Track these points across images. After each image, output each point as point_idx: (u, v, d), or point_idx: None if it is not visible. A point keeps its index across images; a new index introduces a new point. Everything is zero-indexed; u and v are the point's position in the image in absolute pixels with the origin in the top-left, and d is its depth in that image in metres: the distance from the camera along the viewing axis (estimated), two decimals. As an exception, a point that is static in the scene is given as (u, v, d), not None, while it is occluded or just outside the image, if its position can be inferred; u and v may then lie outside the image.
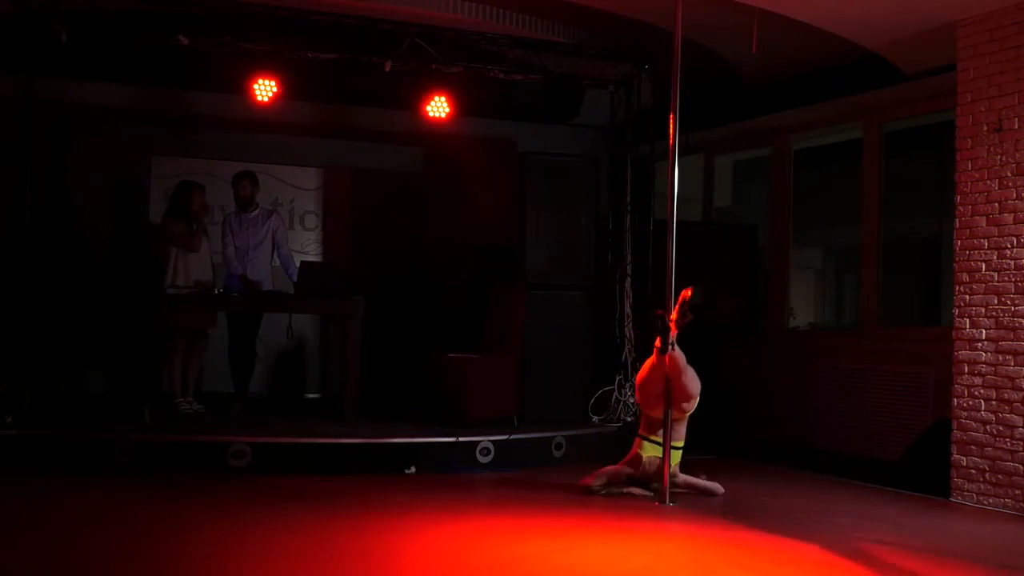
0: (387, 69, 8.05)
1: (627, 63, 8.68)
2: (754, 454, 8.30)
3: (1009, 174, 6.20)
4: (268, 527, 5.13)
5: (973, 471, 6.32)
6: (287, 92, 8.01)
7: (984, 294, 6.32)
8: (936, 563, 4.79)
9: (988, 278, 6.29)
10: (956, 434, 6.45)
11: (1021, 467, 6.03)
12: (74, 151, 8.86)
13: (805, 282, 11.50)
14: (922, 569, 4.67)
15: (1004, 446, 6.13)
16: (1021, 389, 6.05)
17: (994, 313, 6.24)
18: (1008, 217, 6.19)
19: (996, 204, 6.27)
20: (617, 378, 8.32)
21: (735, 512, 5.81)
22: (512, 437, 7.29)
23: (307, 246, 9.70)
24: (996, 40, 6.27)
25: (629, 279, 8.66)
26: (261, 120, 8.52)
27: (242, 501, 5.77)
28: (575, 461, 7.32)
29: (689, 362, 6.17)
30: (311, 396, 9.41)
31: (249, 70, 7.87)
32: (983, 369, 6.29)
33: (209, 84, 8.52)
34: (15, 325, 7.47)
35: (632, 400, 8.23)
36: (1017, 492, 6.03)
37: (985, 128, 6.32)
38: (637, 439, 6.33)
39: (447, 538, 5.07)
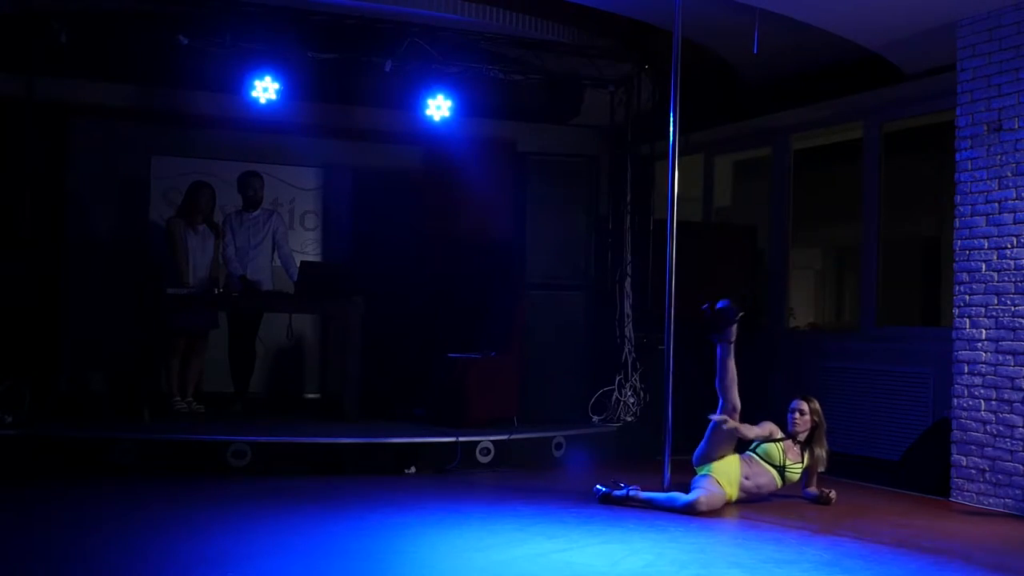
0: (387, 69, 8.07)
1: (627, 63, 8.68)
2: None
3: (1009, 174, 6.20)
4: (268, 527, 5.14)
5: (973, 471, 6.32)
6: (287, 92, 8.01)
7: (984, 294, 6.32)
8: (936, 563, 4.79)
9: (988, 278, 6.29)
10: (956, 434, 6.45)
11: (1021, 467, 6.03)
12: (74, 151, 8.85)
13: (805, 282, 11.49)
14: (922, 569, 4.67)
15: (1004, 446, 6.13)
16: (1021, 389, 6.05)
17: (994, 313, 6.24)
18: (1008, 217, 6.19)
19: (996, 204, 6.27)
20: (617, 378, 8.32)
21: (735, 512, 5.80)
22: (512, 437, 7.29)
23: (307, 246, 9.67)
24: (995, 40, 6.27)
25: (629, 279, 8.65)
26: (261, 120, 8.49)
27: (242, 501, 5.77)
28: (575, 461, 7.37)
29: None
30: (311, 396, 9.40)
31: (249, 70, 7.87)
32: (983, 369, 6.29)
33: (209, 84, 8.51)
34: (15, 324, 7.46)
35: (632, 400, 8.24)
36: (1017, 492, 6.03)
37: (985, 128, 6.33)
38: None
39: (447, 538, 5.07)
